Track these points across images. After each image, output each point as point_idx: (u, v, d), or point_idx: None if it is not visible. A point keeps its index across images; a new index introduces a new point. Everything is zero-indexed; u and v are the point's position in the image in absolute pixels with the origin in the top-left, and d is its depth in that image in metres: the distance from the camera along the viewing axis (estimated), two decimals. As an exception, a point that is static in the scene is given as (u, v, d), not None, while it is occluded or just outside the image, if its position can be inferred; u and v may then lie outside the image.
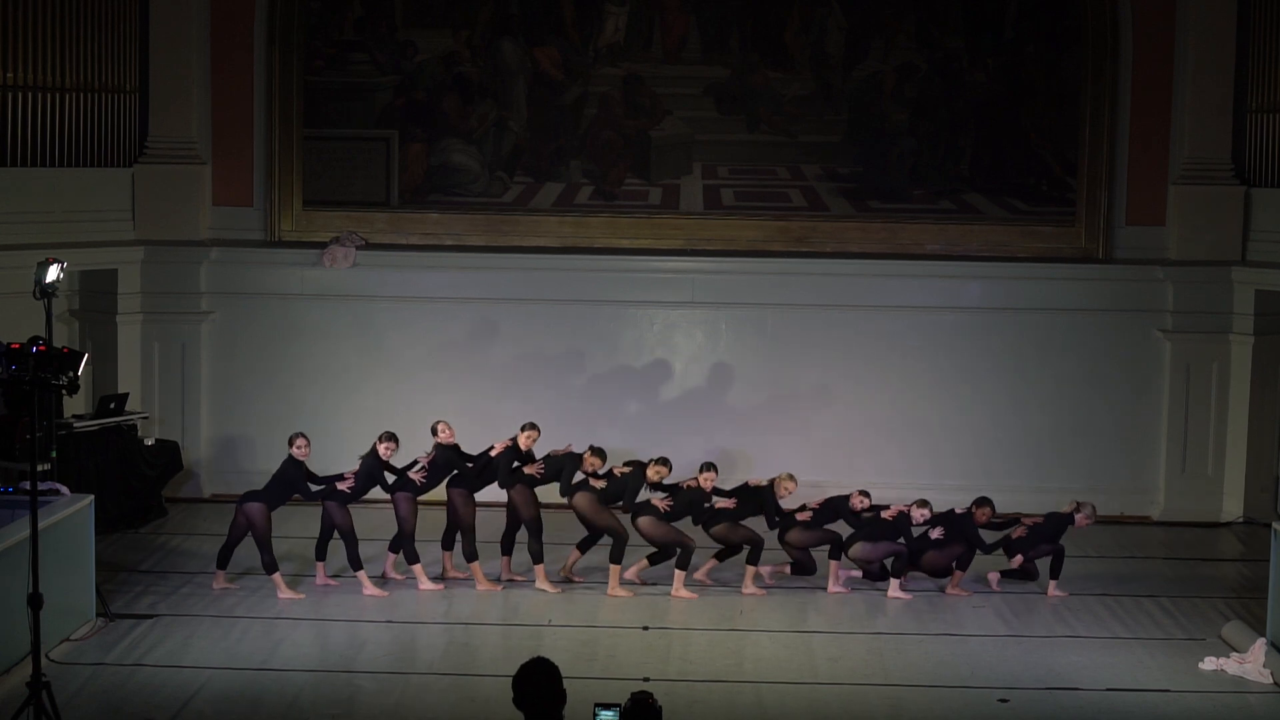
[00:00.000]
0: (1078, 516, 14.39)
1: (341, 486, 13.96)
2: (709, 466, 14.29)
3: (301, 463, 13.93)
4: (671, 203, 17.71)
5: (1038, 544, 14.38)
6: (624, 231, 17.69)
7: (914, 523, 14.22)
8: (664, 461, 14.25)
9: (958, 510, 14.35)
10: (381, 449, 14.08)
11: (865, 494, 14.51)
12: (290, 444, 13.94)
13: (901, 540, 14.19)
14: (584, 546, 14.48)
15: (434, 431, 14.32)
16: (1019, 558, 14.42)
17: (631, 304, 17.42)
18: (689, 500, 14.14)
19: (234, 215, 17.64)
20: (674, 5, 17.56)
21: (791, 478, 14.27)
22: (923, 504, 14.29)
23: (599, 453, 14.21)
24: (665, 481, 14.25)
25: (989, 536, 14.35)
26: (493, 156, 17.65)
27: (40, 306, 12.54)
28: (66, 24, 16.56)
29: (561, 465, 14.22)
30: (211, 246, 17.48)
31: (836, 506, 14.40)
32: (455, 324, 17.47)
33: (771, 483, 14.28)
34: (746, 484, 14.45)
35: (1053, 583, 14.30)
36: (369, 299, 17.36)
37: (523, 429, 14.33)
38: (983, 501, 14.41)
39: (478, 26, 17.55)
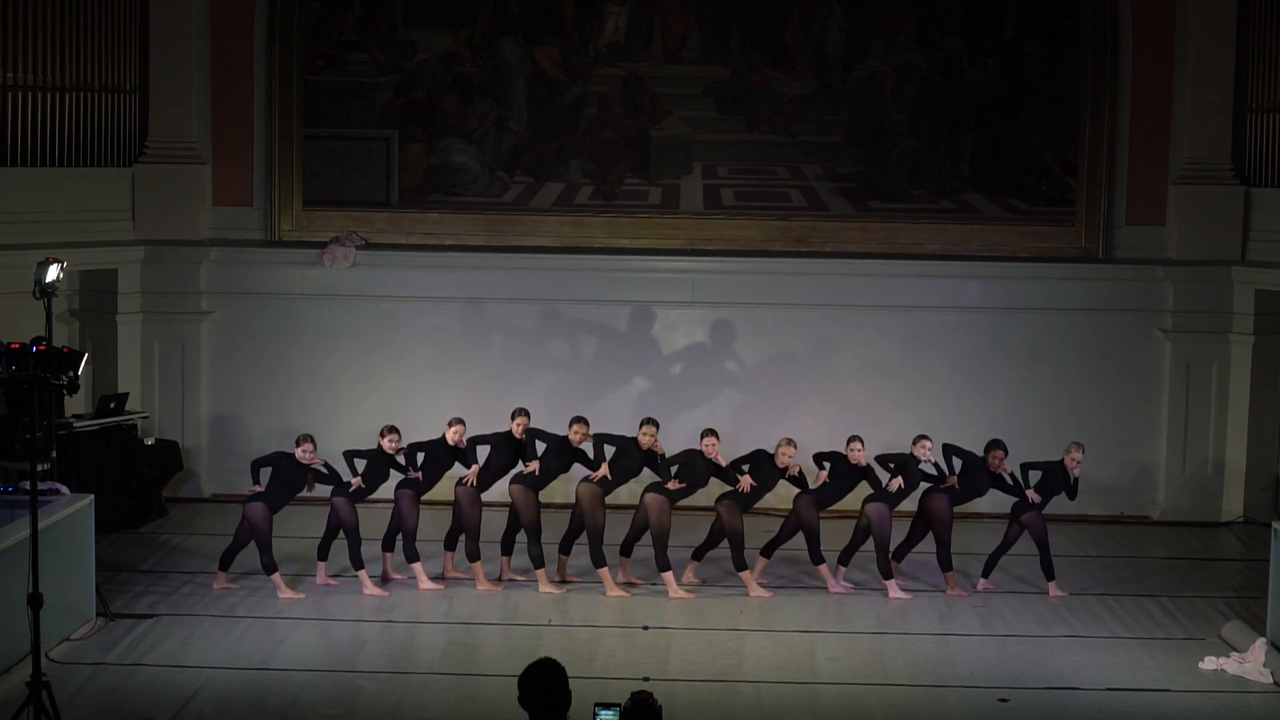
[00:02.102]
0: (1067, 459, 14.34)
1: (354, 483, 13.99)
2: (710, 432, 14.30)
3: (304, 467, 13.92)
4: (671, 203, 17.72)
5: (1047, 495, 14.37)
6: (624, 231, 17.69)
7: (851, 462, 14.25)
8: (651, 421, 14.30)
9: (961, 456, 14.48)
10: (385, 443, 14.10)
11: (856, 439, 14.35)
12: (296, 446, 13.94)
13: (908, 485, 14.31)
14: (566, 547, 14.48)
15: (448, 427, 14.33)
16: (1031, 514, 14.32)
17: (631, 304, 17.43)
18: (697, 472, 14.18)
19: (234, 215, 17.64)
20: (674, 5, 17.56)
21: (790, 442, 14.23)
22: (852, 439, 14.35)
23: (581, 420, 14.25)
24: (659, 448, 14.28)
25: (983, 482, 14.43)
26: (493, 156, 17.65)
27: (40, 306, 12.54)
28: (66, 24, 16.56)
29: (559, 456, 14.23)
30: (211, 246, 17.48)
31: (845, 482, 14.35)
32: (455, 324, 17.48)
33: (771, 457, 14.26)
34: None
35: (1052, 583, 14.30)
36: (369, 299, 17.37)
37: (513, 416, 14.33)
38: (996, 445, 14.38)
39: (478, 26, 17.55)
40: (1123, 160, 17.43)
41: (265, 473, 13.96)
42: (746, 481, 14.11)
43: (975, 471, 14.38)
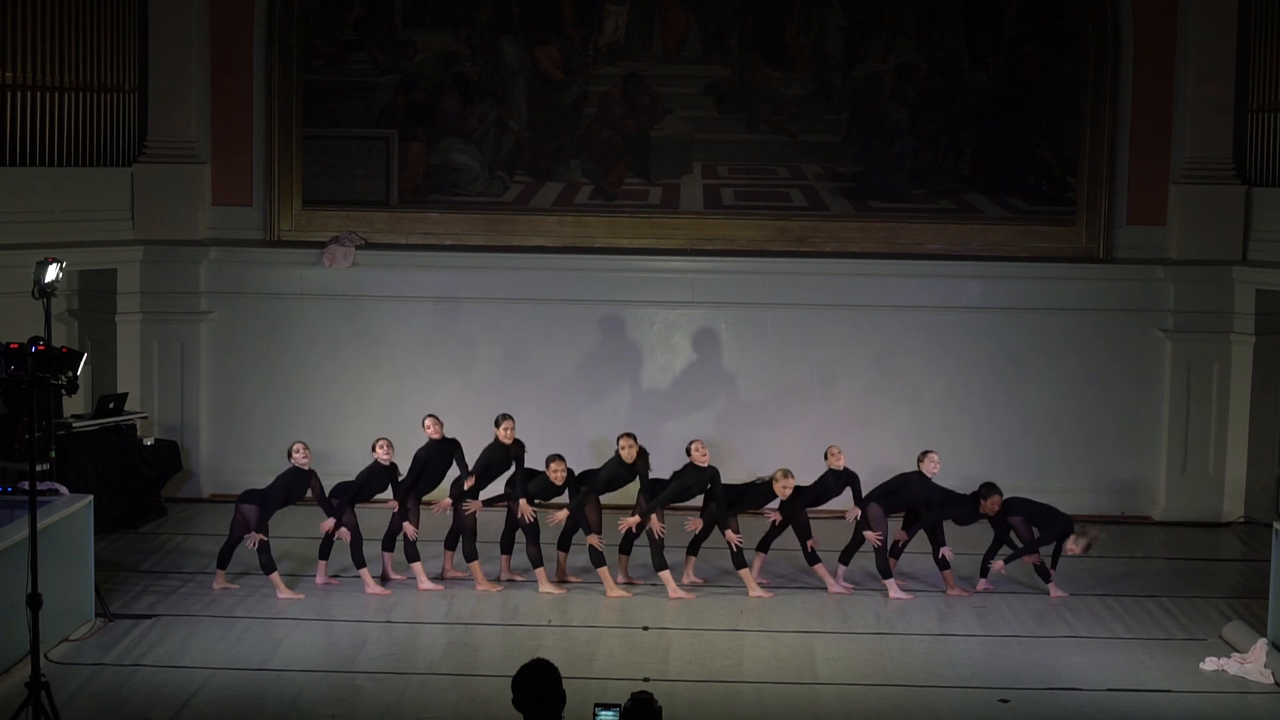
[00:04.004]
0: (1067, 544, 14.30)
1: (343, 535, 13.95)
2: (695, 440, 14.25)
3: (306, 473, 13.86)
4: (671, 202, 17.71)
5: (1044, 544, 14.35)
6: (624, 231, 17.68)
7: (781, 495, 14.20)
8: (628, 435, 14.16)
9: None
10: (380, 454, 14.05)
11: (834, 446, 14.33)
12: (290, 453, 13.89)
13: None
14: (564, 545, 14.47)
15: (424, 425, 14.33)
16: (1017, 519, 14.30)
17: (631, 304, 17.42)
18: (690, 482, 14.17)
19: (233, 215, 17.63)
20: (674, 4, 17.55)
21: (788, 474, 14.15)
22: (787, 473, 14.18)
23: (558, 458, 14.12)
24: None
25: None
26: (493, 156, 17.64)
27: (39, 306, 12.52)
28: (65, 23, 16.55)
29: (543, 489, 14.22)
30: (211, 246, 17.47)
31: (830, 488, 14.34)
32: (455, 324, 17.46)
33: (769, 483, 14.21)
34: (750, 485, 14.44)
35: (1051, 584, 14.27)
36: (368, 299, 17.36)
37: (497, 423, 14.26)
38: (990, 490, 14.25)
39: (478, 26, 17.54)
40: (1123, 160, 17.42)
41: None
42: (696, 523, 14.20)
43: (964, 509, 14.32)
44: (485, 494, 14.37)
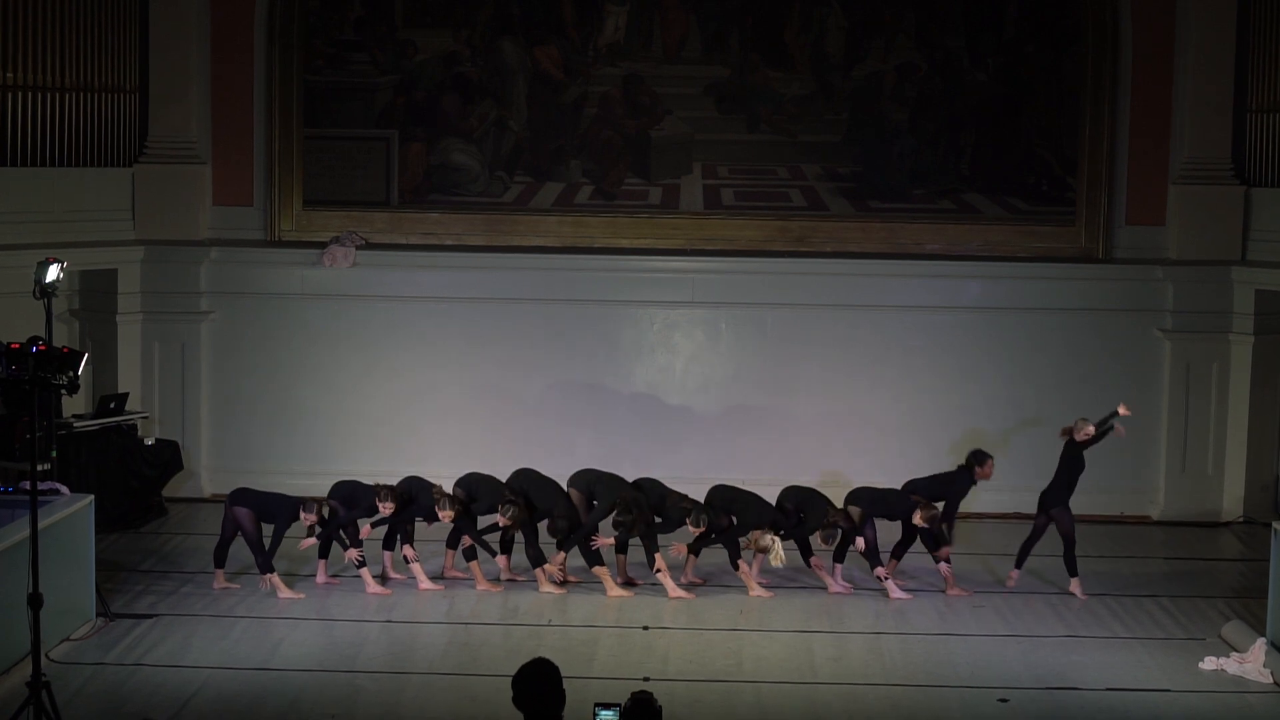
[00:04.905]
0: (1077, 435, 14.37)
1: (352, 555, 13.96)
2: (698, 519, 14.09)
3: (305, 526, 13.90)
4: (671, 203, 17.71)
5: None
6: (624, 231, 17.69)
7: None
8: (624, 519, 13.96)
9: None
10: (382, 508, 13.96)
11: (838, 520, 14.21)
12: (302, 509, 13.80)
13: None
14: (565, 545, 14.46)
15: (437, 502, 14.04)
16: (1059, 509, 14.31)
17: (631, 304, 17.42)
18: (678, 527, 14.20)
19: (234, 215, 17.64)
20: (674, 4, 17.55)
21: (777, 554, 14.05)
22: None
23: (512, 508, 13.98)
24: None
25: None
26: (493, 156, 17.65)
27: (40, 306, 12.55)
28: (66, 24, 16.56)
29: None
30: (211, 246, 17.48)
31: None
32: (455, 324, 17.46)
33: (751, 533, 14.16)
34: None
35: (1075, 580, 14.22)
36: (369, 299, 17.36)
37: (503, 510, 13.94)
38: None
39: (478, 26, 17.55)
40: (1122, 160, 17.42)
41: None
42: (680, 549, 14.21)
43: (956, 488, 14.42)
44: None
